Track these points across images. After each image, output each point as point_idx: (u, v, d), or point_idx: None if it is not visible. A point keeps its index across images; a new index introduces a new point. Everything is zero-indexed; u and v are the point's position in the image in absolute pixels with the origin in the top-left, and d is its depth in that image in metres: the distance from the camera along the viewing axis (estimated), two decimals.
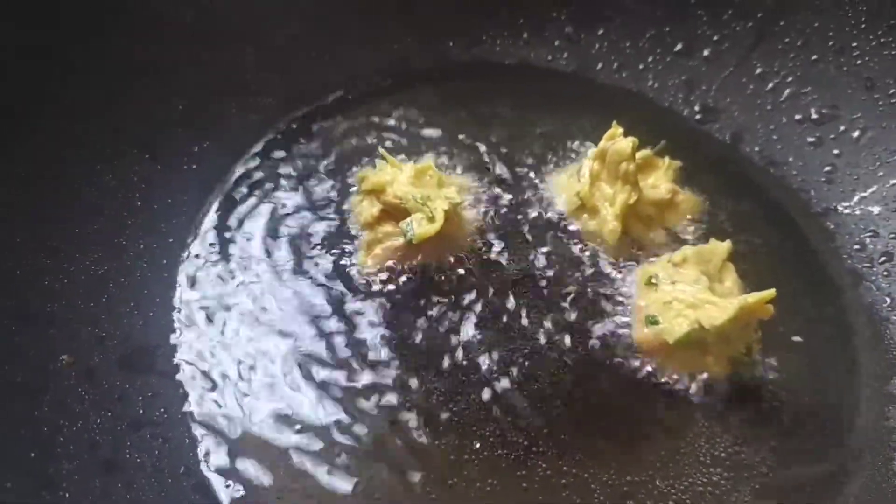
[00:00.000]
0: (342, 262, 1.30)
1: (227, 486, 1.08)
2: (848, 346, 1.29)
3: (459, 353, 1.21)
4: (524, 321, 1.26)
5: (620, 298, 1.28)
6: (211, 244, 1.32)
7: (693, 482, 1.12)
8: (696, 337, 1.15)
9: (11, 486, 0.95)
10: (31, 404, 1.05)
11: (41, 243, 1.18)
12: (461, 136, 1.49)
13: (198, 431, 1.13)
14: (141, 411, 1.13)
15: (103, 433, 1.08)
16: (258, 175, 1.42)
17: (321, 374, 1.18)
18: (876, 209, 1.40)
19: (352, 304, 1.25)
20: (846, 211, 1.42)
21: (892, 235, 1.36)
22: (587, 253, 1.33)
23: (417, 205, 1.24)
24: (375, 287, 1.27)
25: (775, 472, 1.14)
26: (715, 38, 1.56)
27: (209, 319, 1.23)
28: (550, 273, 1.31)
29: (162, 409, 1.14)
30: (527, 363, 1.21)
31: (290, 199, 1.38)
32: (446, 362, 1.20)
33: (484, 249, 1.33)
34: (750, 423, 1.18)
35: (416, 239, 1.23)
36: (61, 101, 1.26)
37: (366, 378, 1.18)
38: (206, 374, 1.18)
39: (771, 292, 1.13)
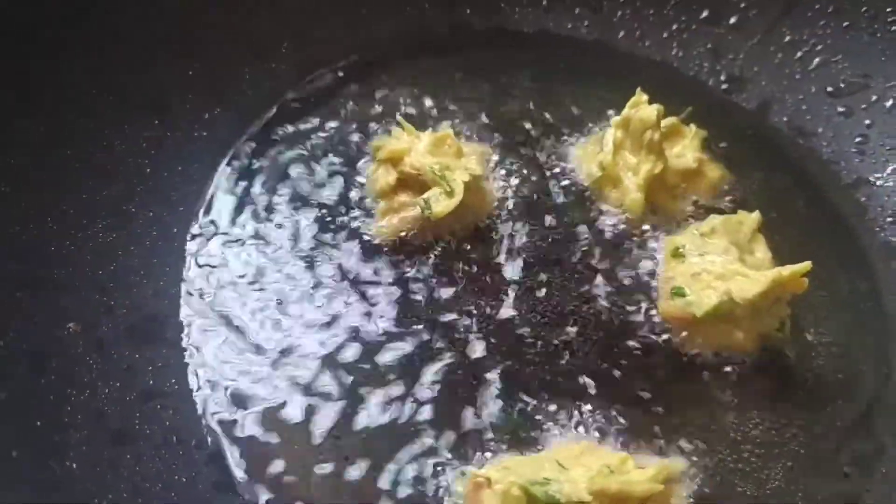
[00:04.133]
0: (356, 231, 1.26)
1: (241, 459, 1.05)
2: (881, 318, 1.25)
3: (478, 326, 1.18)
4: (547, 294, 1.22)
5: (646, 270, 1.24)
6: (221, 212, 1.28)
7: (723, 459, 1.08)
8: (725, 310, 1.10)
9: (17, 454, 0.91)
10: (37, 372, 1.01)
11: (49, 209, 1.14)
12: (480, 105, 1.44)
13: (209, 403, 1.09)
14: (151, 382, 1.10)
15: (111, 403, 1.05)
16: (270, 142, 1.37)
17: (334, 342, 1.15)
18: None
19: (366, 274, 1.22)
20: (878, 182, 1.37)
21: None
22: (610, 224, 1.29)
23: (436, 177, 1.20)
24: (391, 257, 1.23)
25: (807, 450, 1.10)
26: (742, 4, 1.51)
27: (220, 289, 1.20)
28: (573, 245, 1.27)
29: (172, 381, 1.11)
30: (550, 336, 1.17)
31: (302, 167, 1.34)
32: (463, 335, 1.17)
33: (504, 220, 1.29)
34: (781, 400, 1.14)
35: (434, 217, 1.19)
36: (70, 68, 1.22)
37: (382, 349, 1.15)
38: (217, 345, 1.14)
39: (806, 265, 1.09)
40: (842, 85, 1.44)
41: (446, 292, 1.21)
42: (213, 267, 1.22)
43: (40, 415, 0.98)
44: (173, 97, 1.33)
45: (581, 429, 1.08)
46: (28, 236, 1.11)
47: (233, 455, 1.05)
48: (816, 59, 1.46)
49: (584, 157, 1.36)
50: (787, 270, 1.09)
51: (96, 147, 1.23)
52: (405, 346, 1.15)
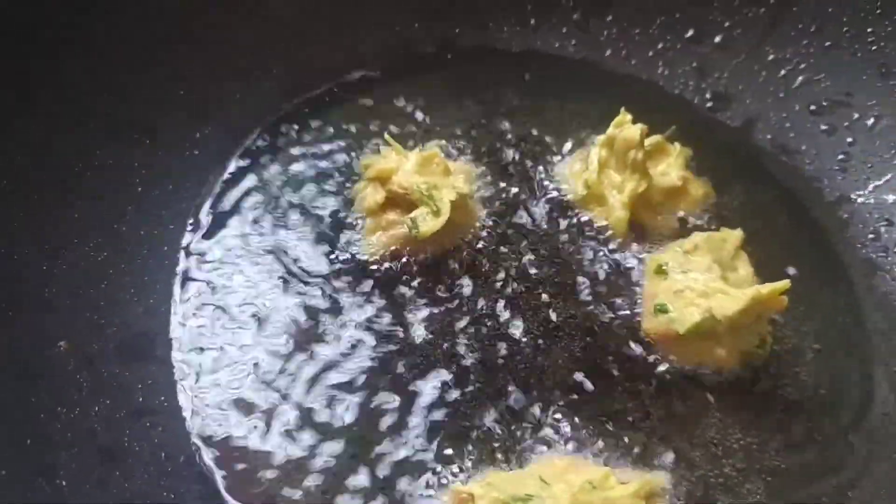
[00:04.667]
0: (345, 247, 1.28)
1: (229, 475, 1.06)
2: (862, 335, 1.27)
3: (463, 341, 1.19)
4: (532, 310, 1.23)
5: (630, 287, 1.26)
6: (210, 231, 1.30)
7: (704, 473, 1.10)
8: (707, 327, 1.12)
9: (6, 473, 0.93)
10: (27, 391, 1.03)
11: (39, 228, 1.16)
12: (467, 123, 1.46)
13: (197, 421, 1.10)
14: (140, 399, 1.11)
15: (101, 421, 1.06)
16: (260, 160, 1.39)
17: (323, 358, 1.17)
18: (890, 198, 1.37)
19: (355, 291, 1.23)
20: (860, 200, 1.39)
21: None
22: (595, 241, 1.31)
23: (423, 197, 1.22)
24: (379, 274, 1.25)
25: (788, 463, 1.12)
26: (727, 24, 1.53)
27: (210, 307, 1.21)
28: (558, 262, 1.29)
29: (162, 398, 1.12)
30: (534, 352, 1.19)
31: (292, 184, 1.36)
32: (449, 350, 1.18)
33: (491, 237, 1.31)
34: (762, 415, 1.16)
35: (421, 236, 1.21)
36: (61, 86, 1.24)
37: (369, 363, 1.16)
38: (206, 363, 1.16)
39: (785, 283, 1.11)
40: (824, 103, 1.46)
41: (433, 308, 1.22)
42: (203, 285, 1.24)
43: (30, 433, 0.99)
44: (163, 117, 1.35)
45: (563, 445, 1.10)
46: (18, 255, 1.12)
47: (221, 471, 1.06)
48: (800, 78, 1.48)
49: (570, 174, 1.38)
50: (766, 288, 1.11)
51: (86, 167, 1.24)
52: (392, 361, 1.17)
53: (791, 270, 1.28)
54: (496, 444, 1.10)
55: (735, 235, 1.23)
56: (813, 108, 1.47)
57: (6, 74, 1.17)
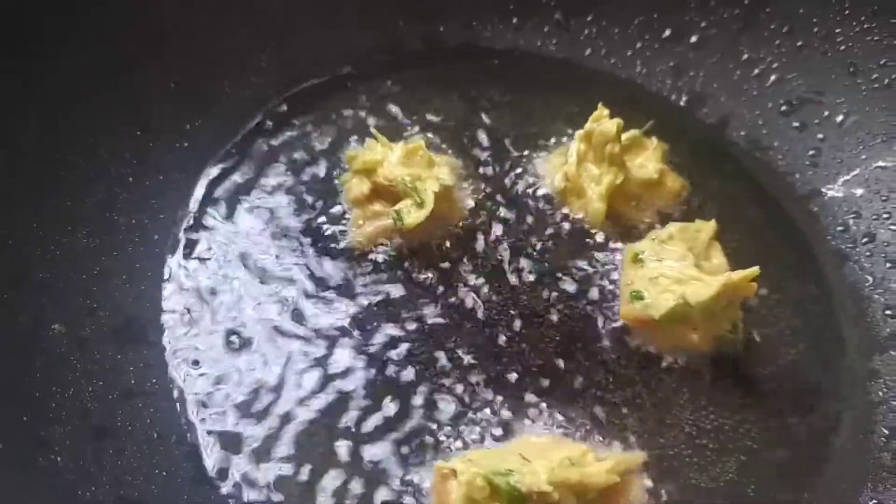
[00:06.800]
0: (332, 238, 1.31)
1: (217, 454, 1.09)
2: (832, 323, 1.31)
3: (445, 327, 1.23)
4: (514, 297, 1.27)
5: (607, 276, 1.30)
6: (201, 220, 1.33)
7: (678, 453, 1.14)
8: (681, 312, 1.16)
9: (3, 446, 0.95)
10: (23, 369, 1.06)
11: (34, 214, 1.18)
12: (451, 119, 1.50)
13: (189, 403, 1.13)
14: (132, 381, 1.14)
15: (95, 401, 1.09)
16: (249, 153, 1.42)
17: (309, 343, 1.20)
18: (859, 191, 1.42)
19: (340, 281, 1.26)
20: (830, 193, 1.44)
21: (875, 217, 1.39)
22: (574, 231, 1.35)
23: (407, 188, 1.25)
24: (366, 263, 1.28)
25: (759, 445, 1.16)
26: (702, 24, 1.58)
27: (200, 293, 1.24)
28: (538, 252, 1.33)
29: (154, 381, 1.15)
30: (516, 337, 1.23)
31: (280, 176, 1.39)
32: (430, 335, 1.22)
33: (474, 228, 1.34)
34: (735, 398, 1.20)
35: (406, 227, 1.24)
36: (55, 76, 1.26)
37: (356, 353, 1.19)
38: (197, 347, 1.18)
39: (755, 270, 1.14)
40: (796, 101, 1.51)
41: (417, 296, 1.26)
42: (193, 272, 1.26)
43: (26, 410, 1.02)
44: (155, 109, 1.38)
45: (544, 424, 1.14)
46: (14, 240, 1.15)
47: (209, 451, 1.09)
48: (772, 77, 1.53)
49: (551, 168, 1.42)
50: (737, 275, 1.14)
51: (80, 155, 1.27)
52: (375, 347, 1.20)
53: (764, 262, 1.31)
54: (476, 426, 1.13)
55: (709, 226, 1.27)
56: (785, 106, 1.51)
57: (5, 65, 1.20)
